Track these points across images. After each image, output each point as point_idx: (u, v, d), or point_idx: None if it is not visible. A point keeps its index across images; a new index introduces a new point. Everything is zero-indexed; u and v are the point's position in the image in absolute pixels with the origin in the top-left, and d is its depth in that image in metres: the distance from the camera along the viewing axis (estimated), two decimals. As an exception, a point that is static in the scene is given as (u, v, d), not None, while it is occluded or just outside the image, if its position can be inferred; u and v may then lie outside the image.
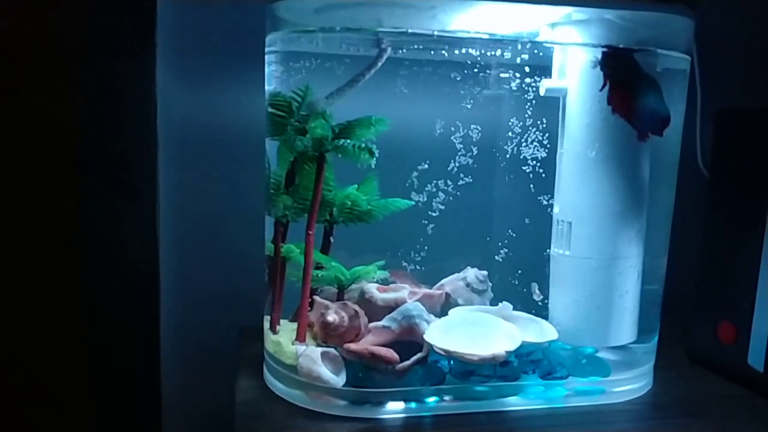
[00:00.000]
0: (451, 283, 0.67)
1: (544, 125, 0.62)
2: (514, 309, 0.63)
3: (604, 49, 0.57)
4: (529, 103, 0.62)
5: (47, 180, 0.70)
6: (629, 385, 0.63)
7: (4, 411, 0.72)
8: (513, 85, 0.61)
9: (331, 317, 0.58)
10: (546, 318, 0.64)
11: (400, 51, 0.60)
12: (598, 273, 0.62)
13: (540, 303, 0.64)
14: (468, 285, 0.66)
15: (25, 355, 0.72)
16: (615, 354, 0.64)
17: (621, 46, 0.57)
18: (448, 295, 0.66)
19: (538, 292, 0.64)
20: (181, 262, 0.80)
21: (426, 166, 0.61)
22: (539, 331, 0.62)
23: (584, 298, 0.62)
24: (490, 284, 0.67)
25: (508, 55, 0.61)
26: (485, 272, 0.67)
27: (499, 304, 0.64)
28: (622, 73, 0.56)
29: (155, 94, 0.72)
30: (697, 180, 0.72)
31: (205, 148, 0.78)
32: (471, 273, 0.67)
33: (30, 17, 0.68)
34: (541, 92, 0.62)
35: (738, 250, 0.65)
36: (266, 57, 0.63)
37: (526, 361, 0.61)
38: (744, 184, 0.65)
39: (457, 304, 0.65)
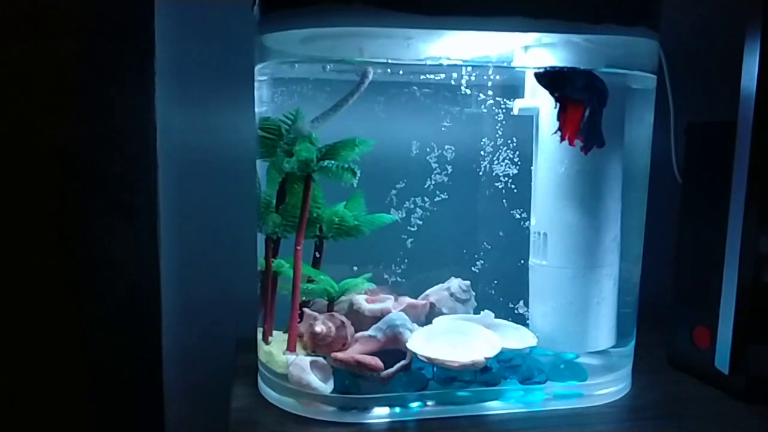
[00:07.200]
0: (435, 293, 0.70)
1: (515, 144, 0.66)
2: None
3: (538, 70, 0.60)
4: (502, 123, 0.65)
5: (52, 200, 0.74)
6: (608, 388, 0.65)
7: (8, 425, 0.75)
8: (484, 107, 0.65)
9: (319, 328, 0.62)
10: (527, 325, 0.67)
11: (381, 76, 0.63)
12: (575, 281, 0.65)
13: (517, 312, 0.67)
14: (452, 294, 0.69)
15: (29, 372, 0.75)
16: (594, 359, 0.67)
17: (556, 67, 0.61)
18: (432, 304, 0.69)
19: (521, 303, 0.68)
20: (181, 277, 0.83)
21: (404, 184, 0.65)
22: (520, 338, 0.65)
23: (562, 306, 0.65)
24: (473, 293, 0.70)
25: (482, 77, 0.64)
26: (468, 282, 0.70)
27: (481, 312, 0.67)
28: (560, 91, 0.59)
29: (155, 119, 0.76)
30: (675, 189, 0.75)
31: (203, 167, 0.82)
32: (455, 283, 0.70)
33: (37, 46, 0.72)
34: (515, 112, 0.65)
35: (710, 256, 0.67)
36: (256, 82, 0.66)
37: (506, 367, 0.64)
38: (714, 193, 0.67)
39: (442, 313, 0.68)
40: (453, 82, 0.64)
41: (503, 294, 0.68)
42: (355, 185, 0.62)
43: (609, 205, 0.65)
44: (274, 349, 0.64)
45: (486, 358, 0.60)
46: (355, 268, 0.67)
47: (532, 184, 0.66)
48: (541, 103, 0.64)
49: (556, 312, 0.66)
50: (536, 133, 0.65)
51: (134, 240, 0.76)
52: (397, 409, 0.60)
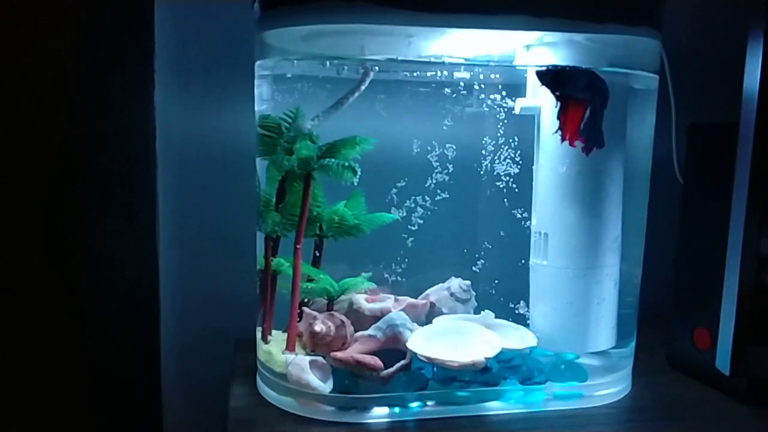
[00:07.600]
0: (435, 292, 0.70)
1: (516, 143, 0.66)
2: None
3: (540, 68, 0.60)
4: (503, 122, 0.65)
5: (51, 199, 0.74)
6: (608, 389, 0.65)
7: (8, 425, 0.75)
8: (485, 106, 0.65)
9: (318, 327, 0.61)
10: (527, 325, 0.67)
11: (382, 74, 0.63)
12: (575, 282, 0.65)
13: (517, 312, 0.67)
14: (452, 294, 0.69)
15: (28, 372, 0.75)
16: (595, 359, 0.67)
17: (558, 66, 0.60)
18: (432, 304, 0.69)
19: (522, 303, 0.67)
20: (180, 276, 0.83)
21: (404, 182, 0.65)
22: (520, 338, 0.65)
23: (562, 306, 0.65)
24: (474, 293, 0.70)
25: (484, 76, 0.64)
26: (468, 282, 0.70)
27: (482, 312, 0.67)
28: (562, 91, 0.59)
29: (154, 117, 0.76)
30: (676, 190, 0.75)
31: (203, 166, 0.82)
32: (455, 283, 0.70)
33: (35, 44, 0.72)
34: (516, 111, 0.65)
35: (711, 257, 0.67)
36: (256, 80, 0.66)
37: (506, 367, 0.64)
38: (715, 194, 0.67)
39: (442, 313, 0.68)
40: (454, 81, 0.64)
41: (504, 294, 0.68)
42: (355, 184, 0.62)
43: (610, 206, 0.64)
44: (274, 349, 0.64)
45: (486, 358, 0.60)
46: (363, 273, 0.67)
47: (534, 183, 0.66)
48: (542, 102, 0.64)
49: (557, 312, 0.65)
50: (538, 132, 0.65)
51: (134, 239, 0.76)
52: (397, 409, 0.60)
